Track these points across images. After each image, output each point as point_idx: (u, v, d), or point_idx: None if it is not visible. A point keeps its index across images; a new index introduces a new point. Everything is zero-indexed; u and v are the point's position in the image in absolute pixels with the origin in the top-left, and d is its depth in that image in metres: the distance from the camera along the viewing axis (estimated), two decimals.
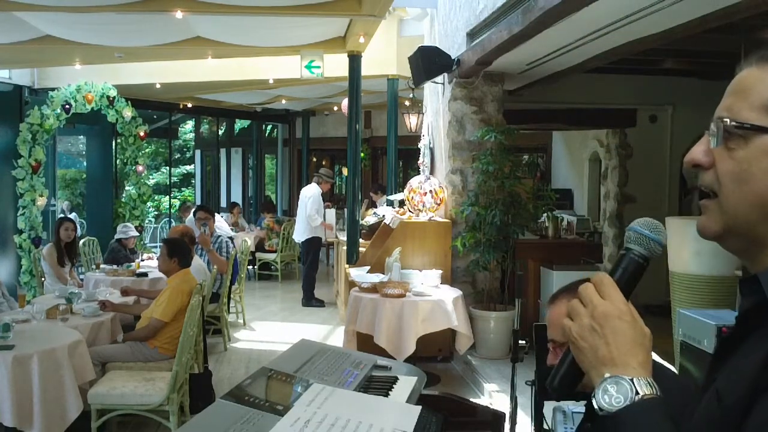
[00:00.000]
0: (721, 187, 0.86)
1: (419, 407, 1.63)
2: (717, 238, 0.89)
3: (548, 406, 2.68)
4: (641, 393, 0.84)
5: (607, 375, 0.87)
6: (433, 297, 5.42)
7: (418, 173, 7.25)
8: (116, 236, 7.78)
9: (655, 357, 2.20)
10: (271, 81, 10.01)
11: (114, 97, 9.45)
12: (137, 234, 8.21)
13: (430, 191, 6.51)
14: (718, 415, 0.81)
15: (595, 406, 0.86)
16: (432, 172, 7.16)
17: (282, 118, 15.97)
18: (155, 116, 15.61)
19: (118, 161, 10.98)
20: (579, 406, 2.56)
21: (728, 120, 0.84)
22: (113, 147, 10.98)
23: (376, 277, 5.77)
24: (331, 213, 9.96)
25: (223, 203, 15.52)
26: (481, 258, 5.98)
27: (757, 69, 0.86)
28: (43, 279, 6.85)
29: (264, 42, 7.60)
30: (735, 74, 0.89)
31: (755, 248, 0.86)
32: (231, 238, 7.50)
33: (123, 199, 10.34)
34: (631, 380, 0.85)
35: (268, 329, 7.80)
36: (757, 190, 0.82)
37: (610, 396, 0.85)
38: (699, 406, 0.89)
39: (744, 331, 0.86)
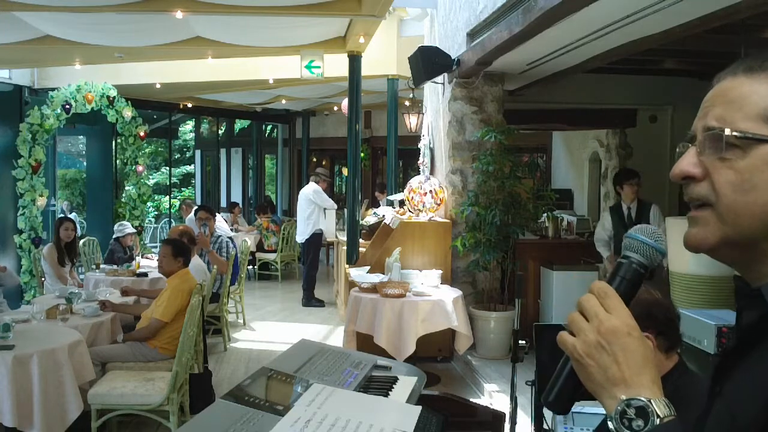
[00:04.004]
0: (720, 198, 0.83)
1: (419, 407, 1.63)
2: (712, 249, 0.86)
3: None
4: (661, 415, 0.82)
5: (623, 397, 0.83)
6: (433, 297, 5.41)
7: (418, 173, 7.25)
8: (114, 235, 7.80)
9: None
10: (271, 81, 10.01)
11: (114, 97, 9.45)
12: (134, 231, 8.21)
13: (430, 191, 6.51)
14: None
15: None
16: (432, 172, 7.16)
17: (282, 118, 15.96)
18: (155, 116, 15.62)
19: (118, 161, 10.99)
20: (578, 406, 2.56)
21: (729, 130, 0.82)
22: (113, 147, 11.00)
23: (376, 277, 5.77)
24: (332, 213, 9.96)
25: (223, 203, 15.52)
26: (481, 258, 5.98)
27: (746, 79, 0.84)
28: (43, 279, 6.86)
29: (264, 42, 7.60)
30: (713, 84, 0.88)
31: (753, 258, 0.84)
32: (231, 238, 7.51)
33: (123, 199, 10.34)
34: (649, 401, 0.82)
35: (268, 329, 7.80)
36: (760, 200, 0.81)
37: (630, 420, 0.82)
38: (708, 422, 0.86)
39: (748, 343, 0.84)
